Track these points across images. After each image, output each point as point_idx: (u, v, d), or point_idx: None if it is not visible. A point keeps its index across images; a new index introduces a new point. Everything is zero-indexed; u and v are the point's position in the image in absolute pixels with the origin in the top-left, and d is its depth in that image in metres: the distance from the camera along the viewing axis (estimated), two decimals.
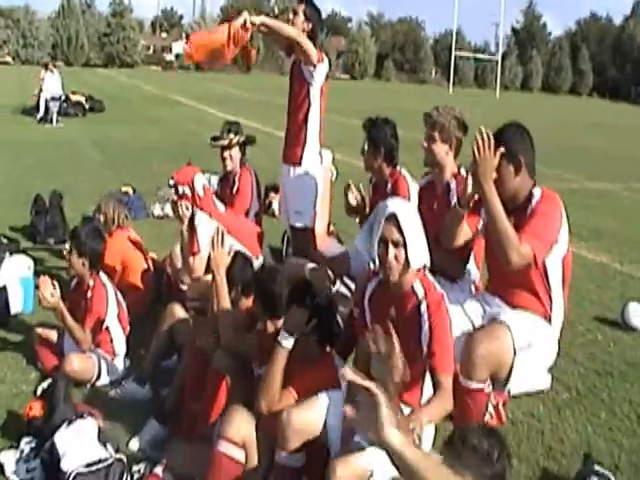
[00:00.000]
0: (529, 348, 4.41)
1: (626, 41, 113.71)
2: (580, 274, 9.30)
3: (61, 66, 54.55)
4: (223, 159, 7.41)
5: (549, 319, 4.57)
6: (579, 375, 6.34)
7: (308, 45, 6.31)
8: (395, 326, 4.04)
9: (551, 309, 4.57)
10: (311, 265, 5.74)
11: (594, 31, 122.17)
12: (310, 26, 6.53)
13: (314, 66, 6.37)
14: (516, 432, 5.25)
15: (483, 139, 4.30)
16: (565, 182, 17.04)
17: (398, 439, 2.67)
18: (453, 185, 5.28)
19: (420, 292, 4.01)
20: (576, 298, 8.30)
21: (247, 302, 5.15)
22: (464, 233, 4.81)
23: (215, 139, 7.43)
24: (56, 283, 5.68)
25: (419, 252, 3.97)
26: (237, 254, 5.53)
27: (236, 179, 7.41)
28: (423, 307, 3.97)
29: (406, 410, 3.99)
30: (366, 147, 6.14)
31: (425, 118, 5.38)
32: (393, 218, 3.92)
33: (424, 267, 4.07)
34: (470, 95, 73.05)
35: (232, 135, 7.38)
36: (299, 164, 6.68)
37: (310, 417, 3.99)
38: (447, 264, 5.08)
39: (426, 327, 3.94)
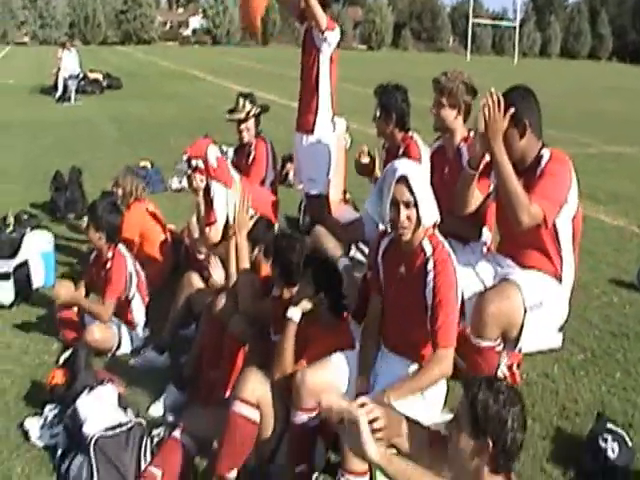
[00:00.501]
0: (540, 307, 4.46)
1: None
2: (597, 238, 9.34)
3: (78, 45, 54.62)
4: (240, 131, 7.47)
5: (560, 278, 4.62)
6: (594, 337, 6.38)
7: (318, 10, 6.34)
8: (404, 283, 4.13)
9: (562, 268, 4.61)
10: (346, 262, 5.72)
11: None
12: None
13: (323, 33, 6.40)
14: (530, 392, 5.32)
15: (493, 101, 4.34)
16: (582, 146, 17.02)
17: (377, 454, 2.98)
18: (464, 149, 5.29)
19: (428, 249, 4.05)
20: (592, 261, 8.36)
21: (267, 264, 5.22)
22: (476, 197, 4.83)
23: (231, 112, 7.49)
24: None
25: (430, 210, 4.02)
26: (260, 217, 5.63)
27: (252, 149, 7.47)
28: (430, 264, 4.00)
29: (415, 368, 4.09)
30: (378, 113, 6.16)
31: (434, 84, 5.40)
32: (403, 180, 3.97)
33: (434, 225, 4.12)
34: (488, 62, 72.54)
35: (248, 107, 7.42)
36: (312, 132, 6.72)
37: (324, 377, 4.09)
38: (461, 229, 5.13)
39: (431, 284, 3.97)
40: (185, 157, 6.67)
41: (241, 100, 7.41)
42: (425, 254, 4.04)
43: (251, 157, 7.42)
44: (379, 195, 4.12)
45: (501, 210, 4.73)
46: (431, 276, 3.98)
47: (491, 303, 4.35)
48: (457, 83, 5.28)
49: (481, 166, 4.64)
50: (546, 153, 4.51)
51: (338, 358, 4.22)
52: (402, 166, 4.03)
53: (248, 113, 7.39)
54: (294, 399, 4.07)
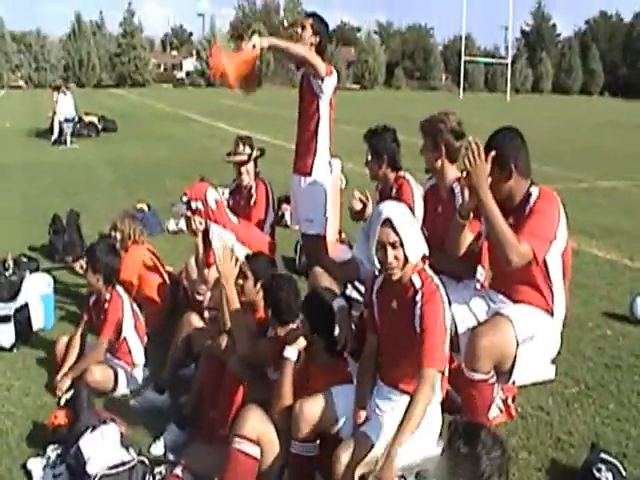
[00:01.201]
0: (531, 340, 4.59)
1: (636, 38, 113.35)
2: (590, 271, 9.45)
3: (73, 88, 54.81)
4: (240, 173, 7.59)
5: (551, 312, 4.74)
6: (588, 369, 6.46)
7: (316, 60, 6.43)
8: (396, 318, 4.26)
9: (553, 302, 4.74)
10: (342, 303, 5.77)
11: (604, 30, 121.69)
12: (318, 39, 6.66)
13: (322, 79, 6.50)
14: (525, 425, 5.39)
15: (473, 149, 4.48)
16: (575, 182, 17.26)
17: None
18: (457, 189, 5.40)
19: (417, 283, 4.18)
20: (586, 295, 8.46)
21: None
22: (467, 238, 4.96)
23: (230, 154, 7.61)
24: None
25: (416, 247, 4.15)
26: (260, 253, 5.74)
27: (252, 192, 7.60)
28: (419, 296, 4.13)
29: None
30: (369, 157, 6.32)
31: (420, 127, 5.56)
32: (388, 222, 4.11)
33: (424, 260, 4.25)
34: (481, 100, 73.14)
35: (248, 150, 7.56)
36: (309, 174, 6.81)
37: (321, 408, 4.24)
38: (454, 268, 5.23)
39: (419, 313, 4.09)
40: (185, 199, 6.78)
41: (241, 143, 7.54)
42: (414, 288, 4.18)
43: (252, 200, 7.55)
44: (366, 238, 4.25)
45: (492, 248, 4.85)
46: (419, 305, 4.10)
47: (484, 337, 4.47)
48: (440, 126, 5.41)
49: (471, 214, 4.78)
50: (535, 191, 4.65)
51: (336, 391, 4.34)
52: (386, 209, 4.18)
53: (249, 156, 7.52)
54: (293, 429, 4.21)
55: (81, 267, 6.64)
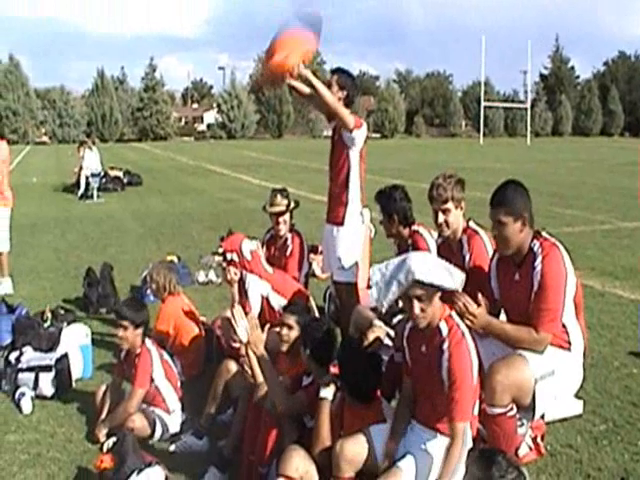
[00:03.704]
0: (552, 375, 4.82)
1: None
2: (615, 312, 9.54)
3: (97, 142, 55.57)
4: (277, 223, 7.89)
5: (568, 347, 4.97)
6: (615, 407, 6.56)
7: (345, 114, 6.67)
8: (426, 362, 4.47)
9: (569, 339, 4.97)
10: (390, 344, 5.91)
11: (623, 70, 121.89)
12: (345, 94, 6.92)
13: (352, 132, 6.73)
14: (555, 463, 5.50)
15: (470, 309, 4.74)
16: (598, 224, 17.39)
17: None
18: (465, 241, 5.75)
19: (444, 331, 4.41)
20: (611, 335, 8.57)
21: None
22: None
23: (269, 205, 7.92)
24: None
25: (447, 284, 4.39)
26: (299, 301, 5.95)
27: (288, 243, 7.90)
28: (445, 344, 4.36)
29: (443, 440, 4.35)
30: (382, 217, 6.60)
31: (431, 196, 5.77)
32: (417, 282, 4.33)
33: (451, 307, 4.45)
34: (502, 144, 73.45)
35: (285, 201, 7.88)
36: (342, 224, 7.02)
37: (361, 447, 4.45)
38: None
39: (446, 364, 4.33)
40: (220, 251, 7.03)
41: (278, 195, 7.86)
42: (441, 335, 4.40)
43: (288, 250, 7.84)
44: (389, 284, 4.44)
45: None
46: (446, 356, 4.33)
47: (498, 372, 4.69)
48: (453, 185, 5.70)
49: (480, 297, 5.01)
50: (536, 246, 4.88)
51: (374, 430, 4.54)
52: (413, 265, 4.35)
53: (287, 206, 7.84)
54: (334, 469, 4.39)
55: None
